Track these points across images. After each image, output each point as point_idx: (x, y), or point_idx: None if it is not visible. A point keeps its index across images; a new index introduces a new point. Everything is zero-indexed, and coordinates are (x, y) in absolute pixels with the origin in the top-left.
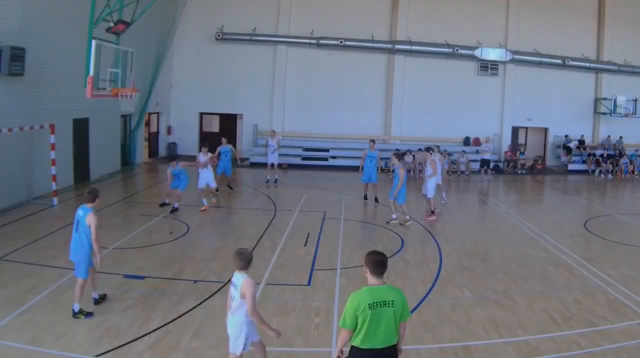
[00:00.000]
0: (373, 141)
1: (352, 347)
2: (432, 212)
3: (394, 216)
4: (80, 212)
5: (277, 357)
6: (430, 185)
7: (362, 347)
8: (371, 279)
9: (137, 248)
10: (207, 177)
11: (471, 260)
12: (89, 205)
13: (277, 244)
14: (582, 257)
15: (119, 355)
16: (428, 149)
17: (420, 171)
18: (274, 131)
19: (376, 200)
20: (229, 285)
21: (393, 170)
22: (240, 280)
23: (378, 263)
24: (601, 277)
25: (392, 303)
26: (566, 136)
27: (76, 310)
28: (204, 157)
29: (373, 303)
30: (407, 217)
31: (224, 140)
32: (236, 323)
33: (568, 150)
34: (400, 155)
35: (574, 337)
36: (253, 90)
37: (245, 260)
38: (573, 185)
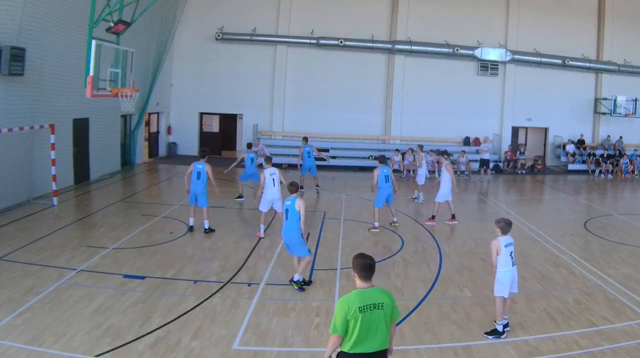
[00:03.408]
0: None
1: (341, 352)
2: (433, 217)
3: (394, 219)
4: (287, 201)
5: (277, 357)
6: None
7: (353, 351)
8: (360, 282)
9: (137, 248)
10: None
11: (471, 260)
12: (294, 195)
13: (277, 244)
14: (582, 257)
15: (119, 355)
16: (443, 153)
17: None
18: (305, 138)
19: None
20: (505, 248)
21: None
22: (511, 238)
23: (366, 266)
24: (601, 277)
25: (382, 306)
26: (574, 142)
27: (295, 279)
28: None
29: (363, 306)
30: (377, 224)
31: (305, 139)
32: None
33: (572, 153)
34: (382, 157)
35: (573, 337)
36: (253, 90)
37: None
38: (573, 185)
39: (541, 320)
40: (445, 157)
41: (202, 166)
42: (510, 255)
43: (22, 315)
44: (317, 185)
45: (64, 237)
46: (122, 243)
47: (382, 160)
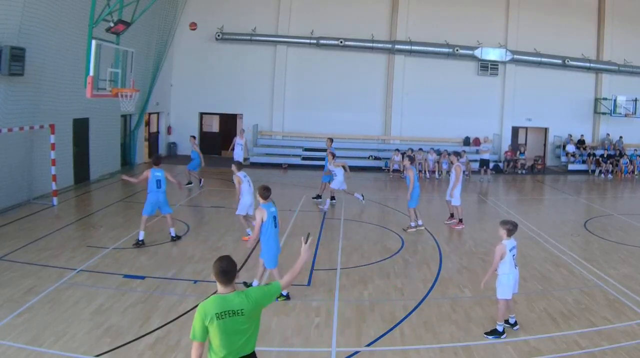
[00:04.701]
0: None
1: None
2: (459, 219)
3: (412, 224)
4: (272, 208)
5: (277, 357)
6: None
7: None
8: (220, 287)
9: (137, 248)
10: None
11: (471, 260)
12: (270, 201)
13: None
14: (582, 257)
15: (119, 355)
16: (456, 154)
17: (421, 171)
18: (331, 139)
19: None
20: (510, 252)
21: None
22: (515, 243)
23: (222, 271)
24: (601, 277)
25: (242, 312)
26: (572, 137)
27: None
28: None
29: (221, 312)
30: (420, 222)
31: (328, 141)
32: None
33: (572, 154)
34: (412, 157)
35: (573, 337)
36: (253, 90)
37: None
38: (573, 185)
39: (541, 320)
40: (458, 158)
41: (161, 173)
42: (513, 258)
43: (22, 315)
44: (319, 195)
45: (64, 237)
46: (122, 243)
47: (413, 160)
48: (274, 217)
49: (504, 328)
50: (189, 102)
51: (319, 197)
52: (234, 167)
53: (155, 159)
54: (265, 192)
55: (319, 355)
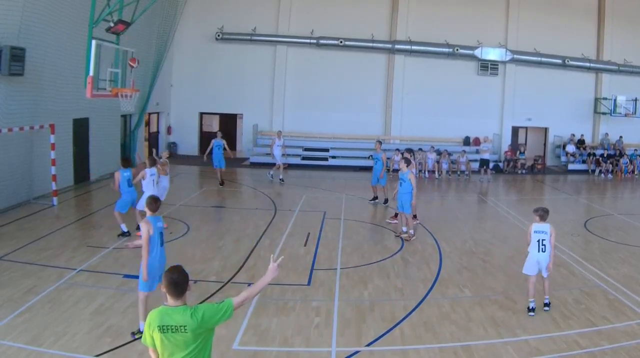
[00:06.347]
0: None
1: None
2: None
3: (411, 231)
4: (160, 224)
5: (277, 357)
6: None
7: None
8: (169, 299)
9: (137, 248)
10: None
11: (471, 260)
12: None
13: (277, 244)
14: (582, 257)
15: (119, 355)
16: (409, 151)
17: (421, 171)
18: (380, 141)
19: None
20: (534, 234)
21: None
22: (548, 227)
23: (172, 283)
24: (601, 277)
25: (185, 329)
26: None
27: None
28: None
29: (162, 326)
30: (412, 231)
31: (377, 144)
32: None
33: (572, 154)
34: (408, 159)
35: (573, 336)
36: (253, 90)
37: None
38: (573, 185)
39: (541, 320)
40: (412, 156)
41: (129, 172)
42: (539, 241)
43: (22, 315)
44: (376, 197)
45: (64, 237)
46: (122, 243)
47: (410, 163)
48: (161, 233)
49: (533, 307)
50: (189, 102)
51: (375, 198)
52: (147, 161)
53: (124, 160)
54: (153, 204)
55: (319, 355)
